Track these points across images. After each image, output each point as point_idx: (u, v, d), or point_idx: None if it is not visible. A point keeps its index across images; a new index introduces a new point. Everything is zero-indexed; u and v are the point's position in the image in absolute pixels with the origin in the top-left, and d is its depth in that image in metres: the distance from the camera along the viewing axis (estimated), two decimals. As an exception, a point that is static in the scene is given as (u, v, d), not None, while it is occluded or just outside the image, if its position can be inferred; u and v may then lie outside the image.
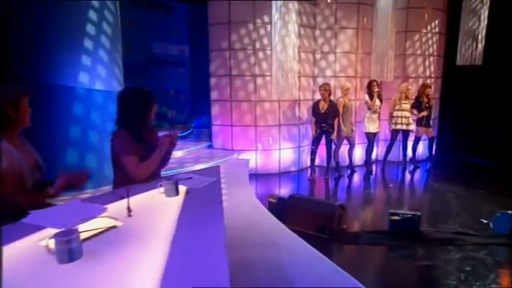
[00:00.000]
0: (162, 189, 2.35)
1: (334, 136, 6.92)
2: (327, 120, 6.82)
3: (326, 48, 7.82)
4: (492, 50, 7.11)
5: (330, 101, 6.88)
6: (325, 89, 6.80)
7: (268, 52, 6.93)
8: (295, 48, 6.15)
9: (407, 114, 7.42)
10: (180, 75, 9.74)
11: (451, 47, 7.30)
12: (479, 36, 6.65)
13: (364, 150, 7.87)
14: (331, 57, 7.83)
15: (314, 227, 4.51)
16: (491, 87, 8.61)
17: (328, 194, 6.56)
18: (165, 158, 3.00)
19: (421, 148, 8.31)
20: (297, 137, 7.77)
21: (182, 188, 2.44)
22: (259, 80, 7.26)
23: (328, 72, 7.87)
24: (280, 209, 4.72)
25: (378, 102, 7.31)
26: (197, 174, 2.86)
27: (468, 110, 8.91)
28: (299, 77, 7.13)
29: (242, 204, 3.46)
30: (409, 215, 4.54)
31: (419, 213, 4.57)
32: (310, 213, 4.58)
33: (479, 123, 8.74)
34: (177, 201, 2.28)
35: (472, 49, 6.74)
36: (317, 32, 7.78)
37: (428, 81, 8.21)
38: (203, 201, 2.30)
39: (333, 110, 6.87)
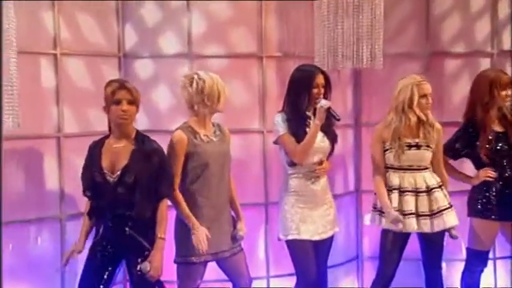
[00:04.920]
0: None
1: (154, 265, 2.17)
2: (130, 205, 2.19)
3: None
4: None
5: (143, 139, 2.26)
6: (114, 97, 2.24)
7: None
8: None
9: (431, 178, 2.64)
10: None
11: None
12: None
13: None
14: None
15: None
16: None
17: None
18: None
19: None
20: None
21: None
22: None
23: (170, 46, 3.06)
24: None
25: (323, 139, 2.51)
26: None
27: None
28: (54, 56, 2.73)
29: None
30: None
31: None
32: None
33: None
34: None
35: None
36: None
37: (508, 66, 3.40)
38: None
39: (157, 170, 2.26)
